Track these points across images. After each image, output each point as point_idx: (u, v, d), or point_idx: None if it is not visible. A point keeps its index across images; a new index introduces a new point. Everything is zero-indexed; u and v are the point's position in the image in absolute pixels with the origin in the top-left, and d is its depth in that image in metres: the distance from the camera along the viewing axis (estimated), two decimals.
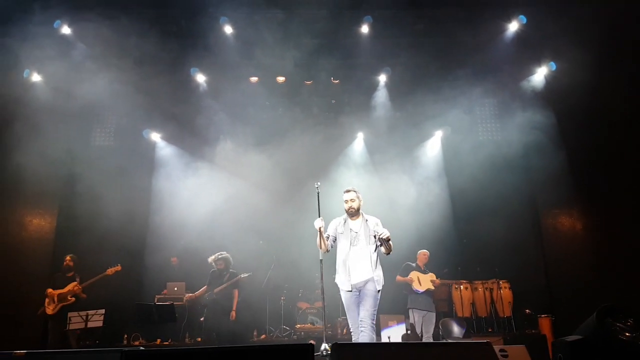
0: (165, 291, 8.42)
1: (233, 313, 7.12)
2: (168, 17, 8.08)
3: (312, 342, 7.05)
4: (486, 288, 8.24)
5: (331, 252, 4.87)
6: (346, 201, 4.83)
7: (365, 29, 8.21)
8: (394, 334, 7.67)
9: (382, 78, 9.22)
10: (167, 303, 7.35)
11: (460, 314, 8.08)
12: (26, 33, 7.16)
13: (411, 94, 8.70)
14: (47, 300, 6.91)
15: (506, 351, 5.55)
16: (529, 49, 8.30)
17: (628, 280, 6.78)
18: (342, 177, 8.68)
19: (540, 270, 8.96)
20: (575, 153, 7.94)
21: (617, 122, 7.22)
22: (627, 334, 3.79)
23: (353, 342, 4.45)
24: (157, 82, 8.40)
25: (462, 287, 8.22)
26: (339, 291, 4.74)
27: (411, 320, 7.12)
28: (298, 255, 7.81)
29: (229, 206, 8.79)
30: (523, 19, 7.98)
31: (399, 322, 7.81)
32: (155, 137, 9.74)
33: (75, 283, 6.95)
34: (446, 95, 8.50)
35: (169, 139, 9.74)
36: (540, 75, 8.62)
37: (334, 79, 9.28)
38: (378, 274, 4.62)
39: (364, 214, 4.87)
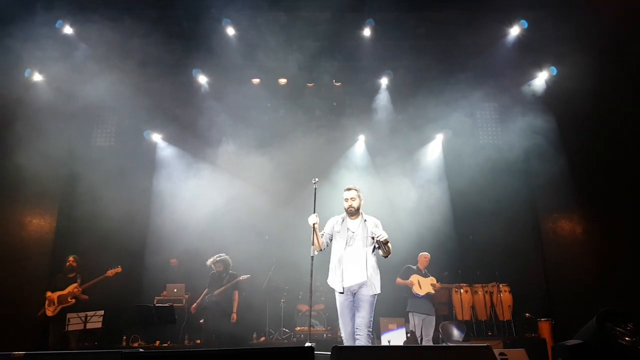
0: (164, 292, 8.41)
1: (234, 315, 7.12)
2: (170, 19, 8.09)
3: (311, 344, 7.07)
4: (486, 291, 8.24)
5: (325, 251, 4.71)
6: (346, 199, 4.66)
7: (367, 31, 8.23)
8: (394, 338, 7.66)
9: (384, 81, 9.25)
10: (166, 305, 7.33)
11: (460, 317, 8.07)
12: (28, 33, 7.16)
13: (412, 97, 8.71)
14: (47, 302, 6.90)
15: (506, 355, 5.56)
16: (530, 54, 8.33)
17: (628, 285, 6.77)
18: (343, 180, 8.68)
19: (540, 274, 8.97)
20: (575, 157, 7.95)
21: (617, 126, 7.22)
22: (627, 338, 3.79)
23: (360, 345, 4.21)
24: (159, 83, 8.42)
25: (462, 290, 8.22)
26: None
27: (411, 324, 7.11)
28: (298, 257, 7.78)
29: (230, 207, 8.80)
30: (524, 23, 8.01)
31: (399, 326, 7.79)
32: (157, 137, 9.75)
33: (75, 285, 6.94)
34: (447, 98, 8.53)
35: (170, 140, 9.75)
36: (541, 79, 8.64)
37: (335, 82, 9.31)
38: (374, 278, 4.40)
39: (363, 214, 4.70)
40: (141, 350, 6.46)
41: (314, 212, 4.51)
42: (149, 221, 9.22)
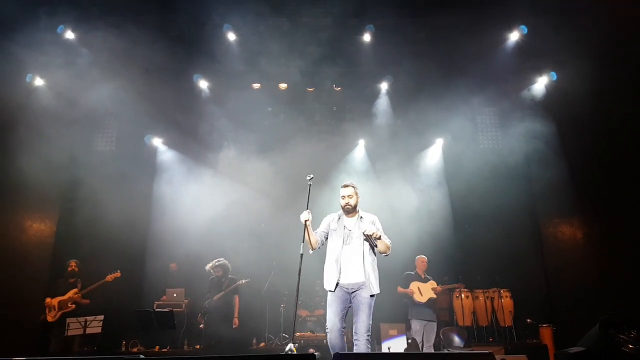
0: (164, 297, 8.38)
1: (235, 320, 7.12)
2: (172, 25, 8.13)
3: (313, 351, 7.03)
4: (487, 297, 8.20)
5: (321, 251, 4.52)
6: (343, 197, 4.52)
7: (367, 37, 8.26)
8: (395, 345, 7.61)
9: (384, 86, 9.28)
10: (166, 310, 7.31)
11: (461, 323, 8.03)
12: (29, 38, 7.19)
13: (413, 102, 8.72)
14: (47, 308, 6.87)
15: None
16: (529, 59, 8.36)
17: (630, 290, 6.75)
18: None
19: (541, 279, 8.95)
20: (576, 162, 7.95)
21: (617, 131, 7.23)
22: (630, 345, 3.76)
23: (354, 352, 4.11)
24: (160, 88, 8.46)
25: (463, 295, 8.18)
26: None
27: (412, 330, 7.06)
28: (298, 262, 7.77)
29: (230, 212, 8.78)
30: (524, 29, 8.04)
31: (399, 332, 7.75)
32: (157, 142, 9.76)
33: (75, 290, 6.92)
34: (447, 103, 8.53)
35: (171, 144, 9.76)
36: (540, 84, 8.67)
37: (335, 86, 9.34)
38: (372, 278, 4.23)
39: (360, 211, 4.57)
40: (141, 356, 6.42)
41: (307, 209, 4.34)
42: (149, 226, 9.21)
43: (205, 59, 8.41)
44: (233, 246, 8.12)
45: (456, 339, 7.58)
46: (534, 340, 7.77)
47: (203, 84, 9.14)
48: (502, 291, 8.18)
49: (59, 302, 6.84)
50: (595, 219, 7.88)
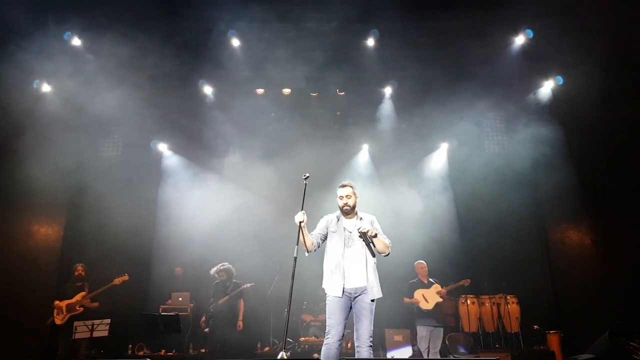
0: (169, 301, 8.42)
1: (240, 323, 7.16)
2: (178, 31, 8.19)
3: (317, 356, 7.01)
4: (493, 303, 8.13)
5: (318, 255, 4.36)
6: (341, 197, 4.33)
7: (371, 42, 8.28)
8: (400, 355, 7.55)
9: (388, 90, 9.26)
10: (171, 314, 7.35)
11: (467, 329, 7.96)
12: (36, 44, 7.27)
13: (418, 106, 8.70)
14: (55, 311, 6.94)
15: None
16: (535, 63, 8.30)
17: (638, 296, 6.67)
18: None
19: (548, 285, 8.85)
20: (583, 167, 7.88)
21: (625, 135, 7.16)
22: None
23: (363, 357, 3.96)
24: (165, 94, 8.53)
25: (468, 301, 8.11)
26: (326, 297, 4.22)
27: (419, 336, 7.01)
28: (302, 268, 7.77)
29: (235, 217, 8.82)
30: (530, 32, 8.00)
31: (405, 338, 7.69)
32: (163, 147, 9.83)
33: (83, 293, 6.98)
34: (452, 107, 8.49)
35: (176, 150, 9.82)
36: (547, 88, 8.60)
37: (339, 91, 9.34)
38: (374, 282, 4.13)
39: (359, 212, 4.41)
40: (148, 359, 6.50)
41: (302, 210, 4.16)
42: (154, 230, 9.28)
43: (210, 65, 8.46)
44: (237, 251, 8.16)
45: (460, 349, 7.52)
46: (541, 347, 7.68)
47: (208, 90, 9.20)
48: (508, 297, 8.10)
49: (67, 305, 6.90)
50: (603, 224, 7.80)
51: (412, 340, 7.59)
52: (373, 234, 4.10)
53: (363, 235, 4.17)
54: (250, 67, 8.59)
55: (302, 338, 8.14)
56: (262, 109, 9.23)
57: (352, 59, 8.52)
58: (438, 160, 9.73)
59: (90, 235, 8.58)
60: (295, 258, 4.02)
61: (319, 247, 4.33)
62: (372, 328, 4.02)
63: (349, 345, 7.50)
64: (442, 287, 7.12)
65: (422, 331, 6.96)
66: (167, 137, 9.63)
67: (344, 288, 4.07)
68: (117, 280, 7.01)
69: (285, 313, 8.36)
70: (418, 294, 7.07)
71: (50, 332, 7.29)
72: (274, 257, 8.79)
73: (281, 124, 9.52)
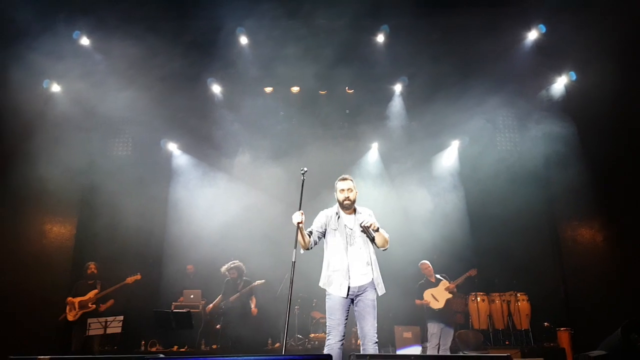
0: (181, 298, 8.51)
1: (254, 309, 7.35)
2: (187, 31, 8.18)
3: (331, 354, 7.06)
4: (503, 300, 8.12)
5: (317, 253, 4.22)
6: (342, 190, 4.15)
7: (381, 38, 8.22)
8: (410, 352, 7.58)
9: (398, 87, 9.19)
10: (184, 310, 7.44)
11: (476, 326, 7.98)
12: (46, 44, 7.30)
13: (428, 103, 8.59)
14: (67, 307, 7.04)
15: None
16: (548, 59, 8.20)
17: None
18: (357, 187, 8.63)
19: (559, 282, 8.80)
20: (595, 164, 7.78)
21: (638, 131, 7.09)
22: None
23: (373, 354, 3.88)
24: (175, 93, 8.55)
25: (478, 299, 8.12)
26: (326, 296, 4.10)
27: (430, 332, 7.03)
28: (311, 266, 7.80)
29: (245, 217, 8.84)
30: (542, 28, 7.90)
31: (414, 335, 7.69)
32: (172, 147, 9.86)
33: (95, 291, 7.07)
34: (464, 104, 8.39)
35: (186, 149, 9.84)
36: (560, 84, 8.48)
37: (348, 89, 9.29)
38: (379, 278, 4.06)
39: (357, 208, 4.24)
40: (161, 355, 6.57)
41: (300, 210, 3.97)
42: (165, 229, 9.34)
43: (220, 64, 8.44)
44: (248, 250, 8.19)
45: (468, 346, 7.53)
46: (552, 344, 7.66)
47: (216, 89, 9.20)
48: (518, 294, 8.09)
49: (80, 302, 6.99)
50: (615, 222, 7.73)
51: (422, 338, 7.60)
52: (375, 228, 3.99)
53: (365, 229, 4.05)
54: (259, 66, 8.56)
55: (312, 334, 8.21)
56: (271, 108, 9.21)
57: (362, 56, 8.45)
58: (449, 158, 9.63)
59: (103, 233, 8.67)
60: (294, 263, 3.91)
61: (315, 244, 4.20)
62: (376, 325, 3.98)
63: (358, 342, 7.53)
64: (449, 283, 7.12)
65: (433, 328, 6.99)
66: (176, 137, 9.65)
67: (349, 287, 3.98)
68: (130, 279, 7.10)
69: (296, 310, 8.50)
70: (427, 295, 7.08)
71: (64, 328, 7.42)
72: (284, 256, 8.79)
73: (290, 122, 9.50)
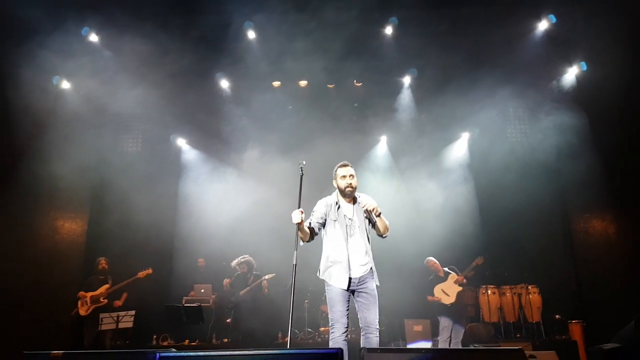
0: (192, 293, 8.57)
1: (266, 289, 7.55)
2: (196, 26, 8.18)
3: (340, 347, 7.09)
4: (514, 293, 8.06)
5: (307, 245, 4.06)
6: (344, 177, 3.98)
7: (390, 30, 8.15)
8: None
9: (407, 80, 9.12)
10: (195, 305, 7.50)
11: (487, 319, 7.94)
12: (56, 41, 7.33)
13: (437, 95, 8.52)
14: (79, 302, 7.12)
15: (536, 357, 5.45)
16: (559, 49, 8.10)
17: None
18: (365, 181, 8.59)
19: (571, 275, 8.74)
20: (607, 155, 7.70)
21: None
22: None
23: (383, 347, 3.93)
24: (184, 89, 8.57)
25: (489, 291, 8.07)
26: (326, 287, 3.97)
27: (441, 325, 7.02)
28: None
29: (255, 211, 8.85)
30: (553, 18, 7.80)
31: (424, 328, 7.68)
32: (182, 143, 9.88)
33: (107, 286, 7.15)
34: (473, 96, 8.30)
35: (195, 144, 9.86)
36: (571, 75, 8.38)
37: (356, 82, 9.24)
38: (374, 268, 3.99)
39: (356, 197, 4.04)
40: (173, 350, 6.63)
41: (299, 207, 3.80)
42: (176, 224, 9.39)
43: (228, 59, 8.42)
44: (257, 244, 8.21)
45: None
46: (563, 337, 7.62)
47: (225, 84, 9.20)
48: (530, 287, 8.02)
49: (91, 297, 7.07)
50: (628, 214, 7.65)
51: (433, 331, 7.60)
52: (378, 213, 3.88)
53: (368, 214, 3.94)
54: (268, 60, 8.54)
55: (322, 328, 8.24)
56: (280, 102, 9.19)
57: (370, 49, 8.40)
58: (459, 150, 9.54)
59: (114, 229, 8.73)
60: (295, 265, 3.76)
61: (316, 235, 4.06)
62: (378, 314, 3.91)
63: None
64: (458, 275, 7.10)
65: (444, 322, 6.98)
66: (186, 133, 9.67)
67: (350, 279, 3.89)
68: (141, 274, 7.16)
69: (305, 304, 8.51)
70: (438, 291, 7.06)
71: (77, 323, 7.51)
72: (293, 249, 8.84)
73: (298, 116, 9.47)
